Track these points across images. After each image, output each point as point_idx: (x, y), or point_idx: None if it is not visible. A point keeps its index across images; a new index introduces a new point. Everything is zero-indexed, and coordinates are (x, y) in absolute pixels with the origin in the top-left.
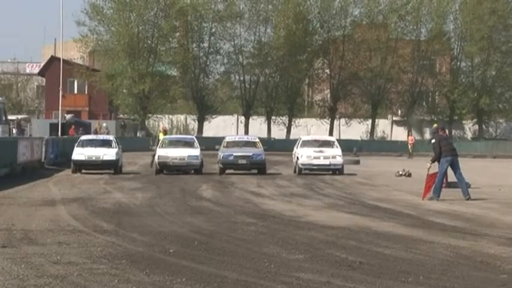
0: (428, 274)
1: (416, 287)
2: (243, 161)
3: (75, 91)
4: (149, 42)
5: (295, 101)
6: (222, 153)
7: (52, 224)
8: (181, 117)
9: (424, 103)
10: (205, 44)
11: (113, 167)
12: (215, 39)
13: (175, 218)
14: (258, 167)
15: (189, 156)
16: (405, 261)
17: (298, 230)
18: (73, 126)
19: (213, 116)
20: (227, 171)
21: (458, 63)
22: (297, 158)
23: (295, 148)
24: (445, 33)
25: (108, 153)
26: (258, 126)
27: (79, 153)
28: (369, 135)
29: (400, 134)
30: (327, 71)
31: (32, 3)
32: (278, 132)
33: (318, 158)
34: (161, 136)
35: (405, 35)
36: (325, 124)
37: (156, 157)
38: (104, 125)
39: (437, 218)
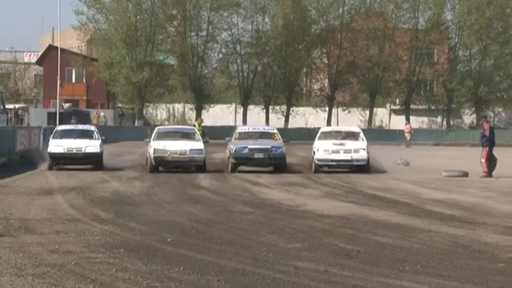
0: (425, 263)
1: (413, 275)
2: (260, 155)
3: (73, 80)
4: (147, 31)
5: (293, 90)
6: (234, 145)
7: (50, 213)
8: (179, 106)
9: (422, 92)
10: (203, 33)
11: (95, 161)
12: (213, 28)
13: (173, 207)
14: (276, 163)
15: (191, 150)
16: (403, 249)
17: (296, 219)
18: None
19: (211, 105)
20: (239, 167)
21: (456, 52)
22: (313, 152)
23: (315, 142)
24: (443, 22)
25: (91, 145)
26: (256, 116)
27: (56, 145)
28: (367, 124)
29: (398, 123)
30: (325, 60)
31: None
32: (276, 121)
33: (337, 152)
34: (199, 130)
35: (403, 23)
36: (323, 113)
37: (151, 151)
38: (102, 114)
39: (435, 207)
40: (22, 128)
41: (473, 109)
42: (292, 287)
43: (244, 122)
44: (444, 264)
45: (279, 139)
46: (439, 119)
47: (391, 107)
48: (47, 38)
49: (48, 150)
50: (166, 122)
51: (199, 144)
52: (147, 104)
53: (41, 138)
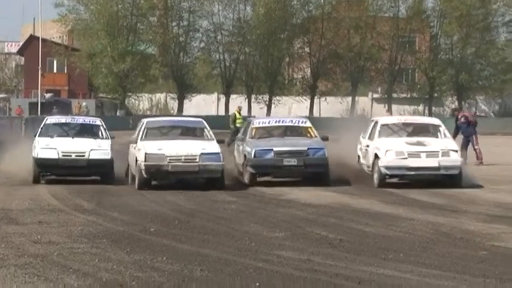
0: (408, 251)
1: (396, 264)
2: (293, 161)
3: (55, 70)
4: (128, 20)
5: (275, 80)
6: (251, 147)
7: (32, 203)
8: (161, 96)
9: (403, 81)
10: (185, 22)
11: (104, 172)
12: (194, 17)
13: (155, 196)
14: (316, 172)
15: (202, 154)
16: (385, 238)
17: (279, 208)
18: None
19: (193, 95)
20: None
21: (438, 40)
22: (375, 156)
23: (362, 139)
24: (424, 10)
25: (98, 148)
26: (238, 105)
27: (47, 148)
28: (349, 112)
29: (380, 111)
30: (307, 49)
31: None
32: (259, 110)
33: (417, 155)
34: (238, 119)
35: (384, 12)
36: (306, 102)
37: (139, 156)
38: (84, 104)
39: (417, 195)
40: (3, 118)
41: (455, 97)
42: (275, 276)
43: (227, 111)
44: (426, 253)
45: (316, 135)
46: (420, 108)
47: (373, 96)
48: (28, 28)
49: (34, 155)
50: (148, 112)
51: (213, 145)
52: (129, 94)
53: (23, 128)
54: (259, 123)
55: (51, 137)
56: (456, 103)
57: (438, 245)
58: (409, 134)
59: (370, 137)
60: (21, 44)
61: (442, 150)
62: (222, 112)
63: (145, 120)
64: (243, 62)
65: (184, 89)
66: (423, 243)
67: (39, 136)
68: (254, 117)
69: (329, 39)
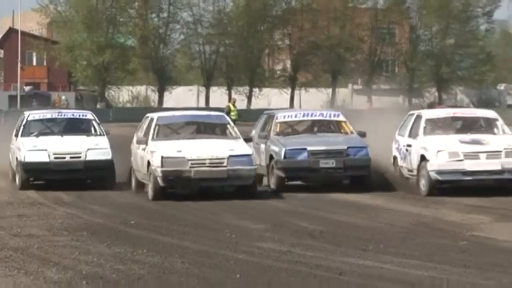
0: (388, 242)
1: (376, 255)
2: (331, 163)
3: (34, 63)
4: (108, 13)
5: (255, 71)
6: (279, 146)
7: (11, 196)
8: (142, 88)
9: (383, 72)
10: (164, 14)
11: (103, 175)
12: (174, 9)
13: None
14: (358, 175)
15: (231, 157)
16: (366, 229)
17: (259, 199)
18: None
19: (173, 87)
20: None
21: (417, 32)
22: (421, 157)
23: (400, 136)
24: (403, 1)
25: (96, 147)
26: (218, 97)
27: (35, 150)
28: (329, 104)
29: (360, 103)
30: (287, 41)
31: None
32: (239, 102)
33: (475, 156)
34: (233, 111)
35: (362, 3)
36: (286, 94)
37: (154, 161)
38: (63, 97)
39: (397, 186)
40: None
41: (435, 88)
42: (256, 267)
43: (207, 104)
44: (407, 243)
45: (351, 131)
46: (400, 99)
47: (353, 87)
48: (7, 20)
49: (22, 159)
50: (128, 104)
51: (242, 146)
52: (109, 86)
53: (2, 121)
54: (284, 117)
55: (36, 136)
56: (436, 94)
57: (418, 236)
58: (460, 130)
59: (412, 135)
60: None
61: (505, 149)
62: (202, 104)
63: (155, 116)
64: (223, 54)
65: (164, 81)
66: (403, 234)
67: (22, 136)
68: (275, 110)
69: (308, 30)
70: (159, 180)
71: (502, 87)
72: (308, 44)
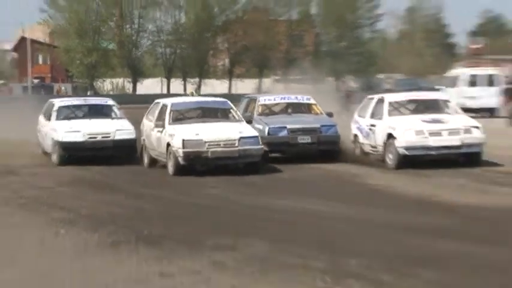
0: (313, 189)
1: (294, 196)
2: (307, 139)
3: (40, 62)
4: (94, 24)
5: (203, 67)
6: (262, 125)
7: (29, 160)
8: (120, 80)
9: (296, 66)
10: (136, 26)
11: (128, 152)
12: (143, 21)
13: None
14: (328, 149)
15: (241, 138)
16: (304, 182)
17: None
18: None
19: (143, 79)
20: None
21: (320, 37)
22: (388, 136)
23: (360, 117)
24: (310, 15)
25: (123, 128)
26: (177, 86)
27: (70, 131)
28: (257, 90)
29: (280, 89)
30: (226, 45)
31: None
32: (191, 89)
33: (439, 133)
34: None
35: (280, 16)
36: (225, 83)
37: (175, 143)
38: (63, 88)
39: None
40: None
41: (334, 78)
42: (201, 207)
43: (168, 92)
44: (321, 189)
45: (322, 113)
46: (310, 86)
47: (274, 78)
48: (20, 30)
49: (59, 138)
50: (111, 92)
51: (248, 128)
52: (96, 79)
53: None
54: (265, 100)
55: (68, 119)
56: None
57: (329, 184)
58: (419, 111)
59: (376, 116)
60: (14, 44)
61: (464, 127)
62: (164, 91)
63: (168, 102)
64: (180, 55)
65: (136, 75)
66: (318, 183)
67: (56, 120)
68: (255, 94)
69: (241, 36)
70: (180, 159)
71: (382, 76)
72: (241, 46)
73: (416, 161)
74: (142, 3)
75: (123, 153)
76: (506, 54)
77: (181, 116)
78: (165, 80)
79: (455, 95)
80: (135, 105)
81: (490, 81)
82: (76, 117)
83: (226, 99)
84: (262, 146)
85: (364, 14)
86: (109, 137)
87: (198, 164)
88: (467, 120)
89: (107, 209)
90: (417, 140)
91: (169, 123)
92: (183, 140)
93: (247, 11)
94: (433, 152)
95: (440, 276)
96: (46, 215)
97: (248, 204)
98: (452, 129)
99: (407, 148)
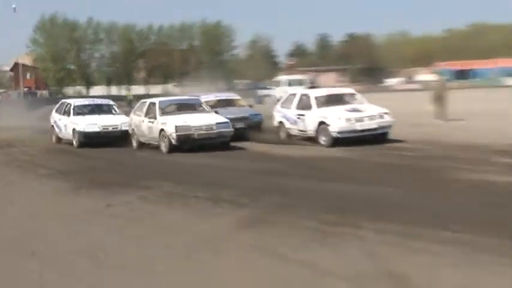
0: (232, 159)
1: (232, 160)
2: (241, 124)
3: (28, 77)
4: (61, 54)
5: (130, 78)
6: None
7: (24, 137)
8: (78, 87)
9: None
10: (88, 52)
11: (124, 139)
12: (91, 51)
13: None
14: (256, 130)
15: (217, 124)
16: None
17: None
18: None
19: (93, 86)
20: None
21: (202, 58)
22: (320, 123)
23: (282, 108)
24: (194, 45)
25: (125, 121)
26: (116, 90)
27: (90, 124)
28: (165, 92)
29: (178, 92)
30: (144, 64)
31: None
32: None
33: (362, 119)
34: (129, 96)
35: (177, 47)
36: (143, 87)
37: (168, 128)
38: (44, 92)
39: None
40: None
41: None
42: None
43: (110, 93)
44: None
45: (245, 105)
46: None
47: (174, 84)
48: (15, 58)
49: (81, 129)
50: (73, 95)
51: (220, 117)
52: (64, 87)
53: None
54: (203, 98)
55: (83, 115)
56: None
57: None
58: (338, 103)
59: (302, 107)
60: (11, 66)
61: (379, 113)
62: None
63: (156, 100)
64: (115, 71)
65: (89, 84)
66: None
67: (73, 115)
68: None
69: (154, 58)
70: (173, 141)
71: (237, 81)
72: (152, 65)
73: (345, 141)
74: (91, 40)
75: (123, 140)
76: (308, 67)
77: (167, 110)
78: (106, 87)
79: (279, 92)
80: None
81: (300, 83)
82: (89, 113)
83: (198, 97)
84: (232, 129)
85: (226, 45)
86: (117, 128)
87: (186, 144)
88: (378, 108)
89: (84, 163)
90: (347, 126)
91: (160, 115)
92: (176, 126)
93: (156, 43)
94: (358, 134)
95: (281, 200)
96: (35, 172)
97: (183, 162)
98: (371, 115)
99: (339, 132)
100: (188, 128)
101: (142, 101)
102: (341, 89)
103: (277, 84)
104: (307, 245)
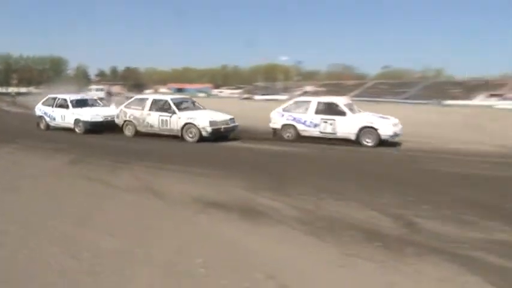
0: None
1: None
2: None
3: None
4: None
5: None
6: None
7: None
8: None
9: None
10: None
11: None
12: None
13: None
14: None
15: (229, 120)
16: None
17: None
18: None
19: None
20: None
21: None
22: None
23: (291, 112)
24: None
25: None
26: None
27: (93, 114)
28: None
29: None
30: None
31: None
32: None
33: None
34: None
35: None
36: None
37: (202, 123)
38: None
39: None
40: None
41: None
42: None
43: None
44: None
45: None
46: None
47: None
48: None
49: (86, 119)
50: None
51: (224, 114)
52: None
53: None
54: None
55: (81, 107)
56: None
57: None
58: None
59: (313, 112)
60: None
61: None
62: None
63: (167, 98)
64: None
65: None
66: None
67: (74, 108)
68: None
69: (22, 73)
70: (205, 133)
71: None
72: (22, 77)
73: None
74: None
75: (112, 128)
76: (107, 81)
77: (180, 107)
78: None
79: (91, 95)
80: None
81: (102, 90)
82: (84, 105)
83: (189, 98)
84: (238, 124)
85: (63, 70)
86: (113, 118)
87: (213, 135)
88: None
89: (78, 139)
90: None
91: (180, 111)
92: (210, 121)
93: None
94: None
95: (90, 150)
96: (39, 143)
97: (180, 148)
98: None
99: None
100: (217, 122)
101: (136, 97)
102: (330, 97)
103: (90, 90)
104: (104, 173)
